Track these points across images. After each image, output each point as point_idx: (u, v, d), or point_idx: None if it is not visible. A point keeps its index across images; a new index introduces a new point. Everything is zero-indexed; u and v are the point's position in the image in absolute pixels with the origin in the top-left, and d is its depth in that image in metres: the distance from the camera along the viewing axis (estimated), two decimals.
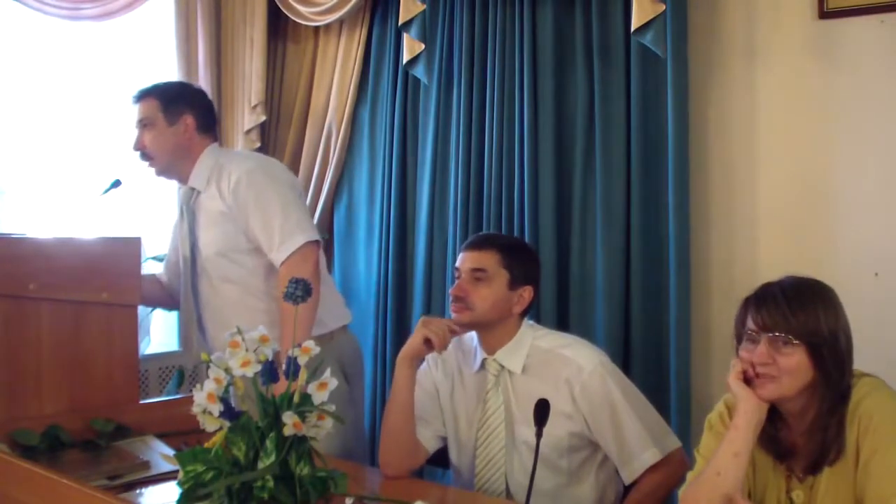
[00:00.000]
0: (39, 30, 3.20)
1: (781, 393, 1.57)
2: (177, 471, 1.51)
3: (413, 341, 2.08)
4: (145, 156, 2.51)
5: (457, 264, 2.14)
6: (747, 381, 1.59)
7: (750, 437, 1.57)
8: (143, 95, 2.51)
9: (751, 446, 1.58)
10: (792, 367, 1.55)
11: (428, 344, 2.07)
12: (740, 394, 1.59)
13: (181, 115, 2.49)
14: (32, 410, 2.08)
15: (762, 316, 1.57)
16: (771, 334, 1.56)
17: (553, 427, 1.96)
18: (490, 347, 2.12)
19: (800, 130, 2.61)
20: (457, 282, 2.11)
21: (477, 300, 2.06)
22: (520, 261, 2.13)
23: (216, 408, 1.47)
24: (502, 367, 2.10)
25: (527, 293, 2.11)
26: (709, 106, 2.75)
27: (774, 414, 1.61)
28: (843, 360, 1.57)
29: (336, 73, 3.50)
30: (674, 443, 2.06)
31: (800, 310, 1.55)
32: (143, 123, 2.49)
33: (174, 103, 2.50)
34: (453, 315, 2.10)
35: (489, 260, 2.09)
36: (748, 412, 1.57)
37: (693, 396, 2.64)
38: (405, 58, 3.11)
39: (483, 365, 2.13)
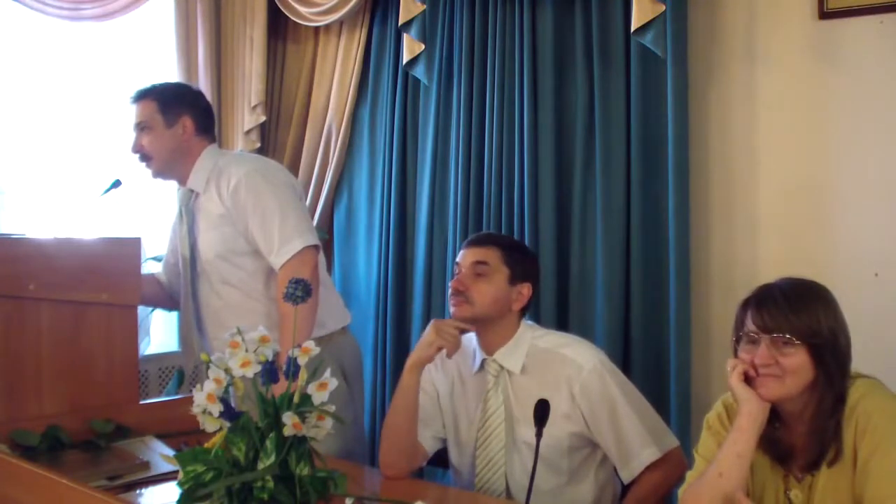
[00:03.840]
0: (39, 30, 3.19)
1: (784, 392, 1.57)
2: (177, 471, 1.51)
3: (427, 351, 2.06)
4: (144, 158, 2.50)
5: (457, 260, 2.15)
6: (748, 381, 1.59)
7: (753, 439, 1.57)
8: (141, 97, 2.49)
9: (753, 447, 1.58)
10: (794, 366, 1.55)
11: (440, 350, 2.07)
12: (743, 395, 1.58)
13: (179, 117, 2.47)
14: (32, 410, 2.08)
15: (763, 317, 1.57)
16: (772, 335, 1.56)
17: (553, 428, 1.97)
18: (489, 347, 2.12)
19: (800, 130, 2.61)
20: (457, 276, 2.12)
21: (477, 295, 2.07)
22: (520, 258, 2.14)
23: (216, 408, 1.47)
24: (501, 367, 2.10)
25: (525, 290, 2.12)
26: (709, 106, 2.75)
27: (772, 415, 1.61)
28: (843, 358, 1.58)
29: (336, 73, 3.50)
30: (672, 442, 2.06)
31: (801, 310, 1.56)
32: (142, 126, 2.47)
33: (172, 105, 2.48)
34: (452, 309, 2.10)
35: (491, 255, 2.10)
36: (752, 413, 1.57)
37: (693, 396, 2.64)
38: (405, 58, 3.12)
39: (482, 365, 2.13)
